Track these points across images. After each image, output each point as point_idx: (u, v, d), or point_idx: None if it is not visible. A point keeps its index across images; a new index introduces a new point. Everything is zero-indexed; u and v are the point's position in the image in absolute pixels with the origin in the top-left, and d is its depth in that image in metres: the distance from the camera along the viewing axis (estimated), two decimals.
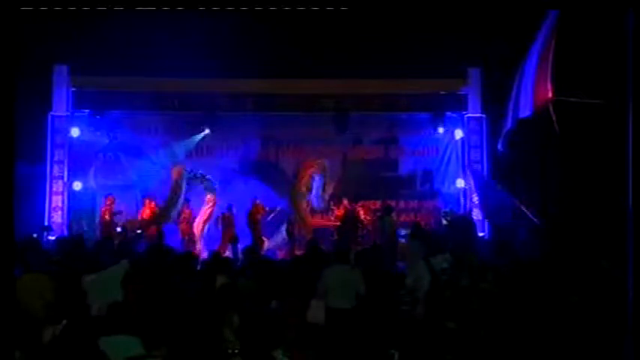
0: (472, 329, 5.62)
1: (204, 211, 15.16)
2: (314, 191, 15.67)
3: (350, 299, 7.33)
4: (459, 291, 6.22)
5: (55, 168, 14.97)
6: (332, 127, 15.56)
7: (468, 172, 15.39)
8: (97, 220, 14.83)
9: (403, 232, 14.02)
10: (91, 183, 15.38)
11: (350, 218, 14.78)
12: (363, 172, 16.03)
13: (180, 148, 15.66)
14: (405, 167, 16.22)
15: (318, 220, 15.63)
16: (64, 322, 4.87)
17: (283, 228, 14.88)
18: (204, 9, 13.39)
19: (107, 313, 5.05)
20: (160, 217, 14.85)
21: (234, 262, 9.12)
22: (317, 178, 15.67)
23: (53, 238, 13.63)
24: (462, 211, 15.33)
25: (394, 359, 5.87)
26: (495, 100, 14.47)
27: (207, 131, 15.48)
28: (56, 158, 14.98)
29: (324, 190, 15.68)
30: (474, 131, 15.59)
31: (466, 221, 14.23)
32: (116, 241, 11.82)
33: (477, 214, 15.13)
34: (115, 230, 14.17)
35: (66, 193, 14.94)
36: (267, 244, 14.52)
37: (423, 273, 7.47)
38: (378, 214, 14.88)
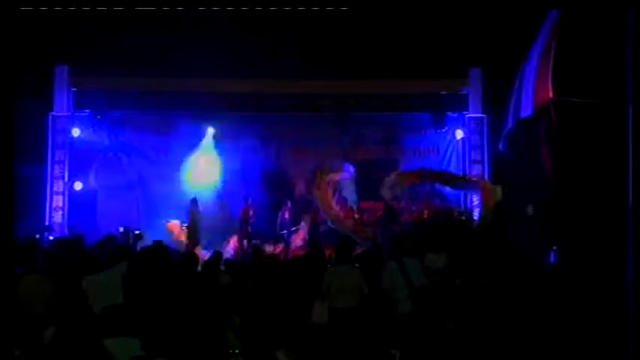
0: (471, 328, 5.62)
1: None
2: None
3: (352, 299, 7.33)
4: (453, 289, 6.23)
5: (56, 168, 15.00)
6: (332, 127, 15.55)
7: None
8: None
9: None
10: (92, 183, 15.40)
11: None
12: (363, 173, 15.99)
13: None
14: (405, 167, 16.17)
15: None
16: (61, 321, 4.86)
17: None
18: (205, 9, 13.41)
19: (103, 315, 5.02)
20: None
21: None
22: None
23: (53, 238, 13.63)
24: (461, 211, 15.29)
25: (395, 359, 5.87)
26: (496, 100, 14.46)
27: (211, 130, 15.48)
28: (57, 158, 15.01)
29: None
30: (474, 131, 15.58)
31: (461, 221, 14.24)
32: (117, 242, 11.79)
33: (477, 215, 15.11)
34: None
35: (67, 193, 14.97)
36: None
37: (395, 273, 7.47)
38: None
